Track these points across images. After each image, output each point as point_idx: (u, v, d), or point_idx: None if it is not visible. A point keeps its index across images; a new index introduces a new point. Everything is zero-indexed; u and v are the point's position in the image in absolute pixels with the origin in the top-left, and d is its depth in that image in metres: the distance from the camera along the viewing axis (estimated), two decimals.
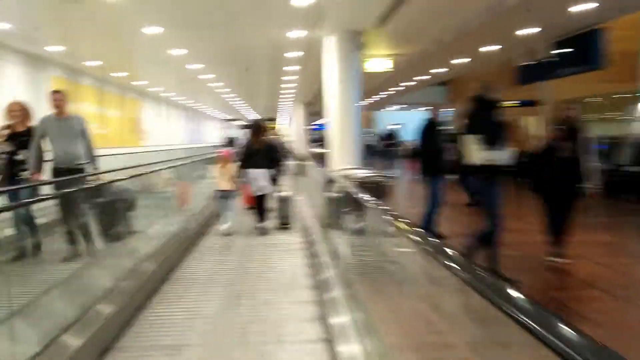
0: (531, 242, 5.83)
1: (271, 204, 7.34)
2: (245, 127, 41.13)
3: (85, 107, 13.05)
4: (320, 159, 15.68)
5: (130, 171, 6.01)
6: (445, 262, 1.60)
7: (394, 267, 2.83)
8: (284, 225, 7.35)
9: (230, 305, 4.09)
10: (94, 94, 13.63)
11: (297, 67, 12.65)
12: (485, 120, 4.45)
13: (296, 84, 16.91)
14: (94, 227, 4.07)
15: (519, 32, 9.93)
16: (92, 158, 5.23)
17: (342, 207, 4.64)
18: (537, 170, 5.12)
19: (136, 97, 17.43)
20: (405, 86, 20.39)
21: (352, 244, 4.00)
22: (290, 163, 18.06)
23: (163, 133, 21.06)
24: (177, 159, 11.58)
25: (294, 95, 20.77)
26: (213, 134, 35.39)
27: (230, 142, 17.89)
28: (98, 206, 4.08)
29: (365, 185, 5.41)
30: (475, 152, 4.28)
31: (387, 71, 10.99)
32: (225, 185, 6.97)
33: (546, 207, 5.11)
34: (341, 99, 7.61)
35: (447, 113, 32.56)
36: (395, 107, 35.12)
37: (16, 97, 5.70)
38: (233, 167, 7.00)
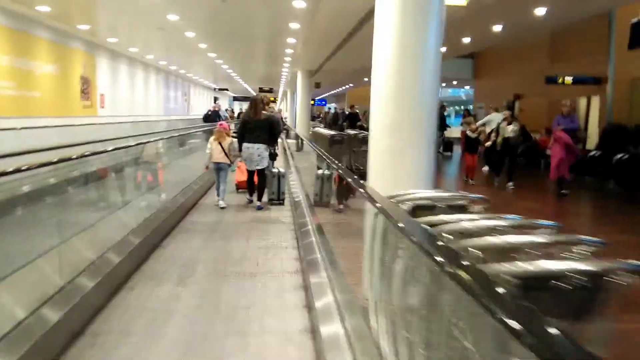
0: None
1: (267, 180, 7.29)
2: (236, 99, 37.06)
3: None
4: (330, 142, 11.85)
5: None
6: None
7: None
8: (278, 200, 7.37)
9: None
10: (5, 37, 9.48)
11: (297, 25, 8.57)
12: None
13: (297, 39, 12.75)
14: None
15: None
16: None
17: None
18: None
19: (85, 49, 13.23)
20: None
21: None
22: (288, 141, 14.74)
23: (129, 101, 16.87)
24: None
25: (291, 60, 16.60)
26: (204, 105, 31.10)
27: (209, 116, 13.88)
28: None
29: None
30: None
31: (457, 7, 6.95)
32: (220, 157, 7.03)
33: None
34: (402, 47, 3.48)
35: (468, 91, 28.62)
36: None
37: None
38: (229, 139, 7.15)
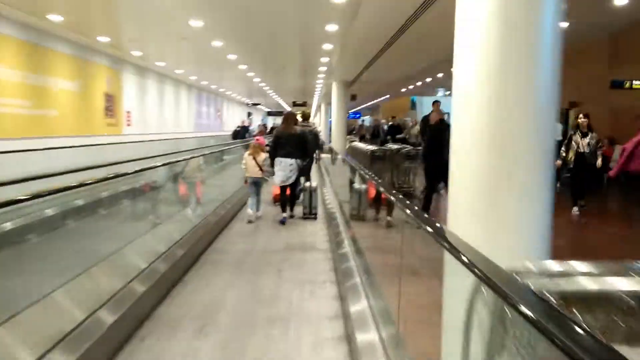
0: None
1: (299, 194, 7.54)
2: (270, 113, 36.41)
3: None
4: (371, 159, 10.65)
5: None
6: None
7: None
8: (310, 215, 7.41)
9: None
10: (17, 50, 8.82)
11: (335, 27, 7.58)
12: None
13: (334, 45, 11.68)
14: None
15: None
16: None
17: None
18: None
19: (110, 64, 12.59)
20: None
21: None
22: (323, 156, 14.03)
23: (158, 118, 16.23)
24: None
25: (326, 70, 15.56)
26: (237, 120, 30.49)
27: (239, 132, 12.84)
28: None
29: None
30: None
31: None
32: (255, 172, 7.16)
33: None
34: (506, 23, 2.32)
35: None
36: (440, 93, 29.44)
37: None
38: (264, 155, 7.24)
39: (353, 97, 20.17)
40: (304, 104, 26.67)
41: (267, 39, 10.68)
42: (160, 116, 16.43)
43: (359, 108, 40.72)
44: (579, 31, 12.78)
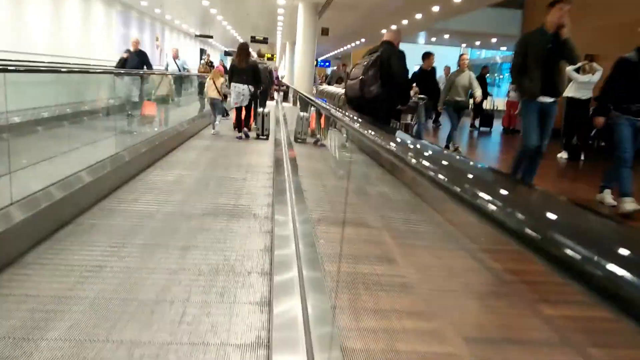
0: None
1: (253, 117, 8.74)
2: (227, 53, 31.68)
3: None
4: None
5: None
6: None
7: None
8: (262, 136, 8.39)
9: None
10: None
11: None
12: None
13: None
14: None
15: None
16: None
17: None
18: None
19: None
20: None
21: None
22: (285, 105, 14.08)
23: (52, 35, 11.71)
24: None
25: None
26: (184, 55, 25.64)
27: (124, 66, 8.83)
28: None
29: None
30: None
31: None
32: (214, 94, 8.44)
33: None
34: None
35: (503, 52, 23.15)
36: (422, 40, 25.50)
37: None
38: (222, 79, 8.52)
39: (324, 31, 16.05)
40: (264, 41, 22.24)
41: None
42: (57, 34, 11.89)
43: (327, 56, 36.62)
44: None
